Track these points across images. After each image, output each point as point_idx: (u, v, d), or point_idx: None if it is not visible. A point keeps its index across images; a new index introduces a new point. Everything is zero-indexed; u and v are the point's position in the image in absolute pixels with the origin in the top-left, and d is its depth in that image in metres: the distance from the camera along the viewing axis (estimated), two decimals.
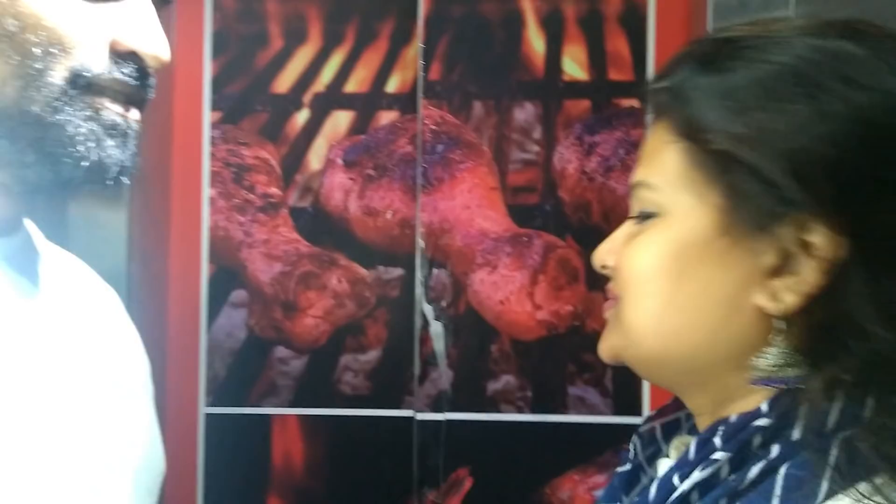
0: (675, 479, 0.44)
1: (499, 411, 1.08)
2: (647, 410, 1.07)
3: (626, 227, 0.51)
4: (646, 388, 1.07)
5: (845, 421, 0.41)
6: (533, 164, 1.10)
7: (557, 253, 1.08)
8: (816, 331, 0.43)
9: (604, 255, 0.52)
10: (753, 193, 0.43)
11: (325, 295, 1.10)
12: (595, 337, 1.14)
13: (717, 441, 0.43)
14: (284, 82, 1.12)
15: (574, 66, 1.10)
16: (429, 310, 1.10)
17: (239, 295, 1.11)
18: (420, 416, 1.09)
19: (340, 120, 1.12)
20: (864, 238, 0.42)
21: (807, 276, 0.43)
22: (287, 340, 1.10)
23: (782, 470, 0.41)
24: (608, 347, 0.51)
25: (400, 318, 1.10)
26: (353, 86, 1.12)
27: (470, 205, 1.09)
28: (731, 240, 0.45)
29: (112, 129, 0.46)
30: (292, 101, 1.12)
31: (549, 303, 1.08)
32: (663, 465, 0.50)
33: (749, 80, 0.44)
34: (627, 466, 0.55)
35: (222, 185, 1.12)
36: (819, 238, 0.42)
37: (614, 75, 1.09)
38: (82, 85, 0.44)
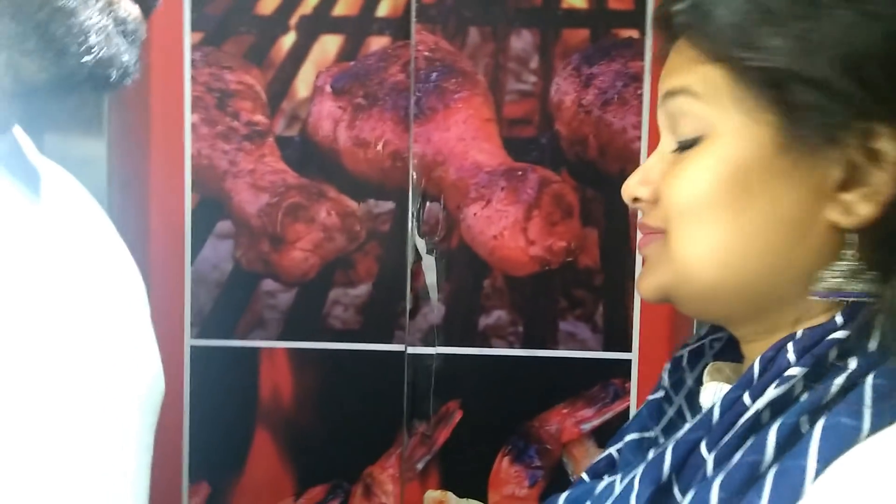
0: (746, 399, 0.42)
1: (490, 346, 1.08)
2: (636, 346, 1.07)
3: (659, 157, 0.49)
4: (636, 323, 1.07)
5: None
6: (529, 95, 1.06)
7: (552, 188, 1.06)
8: (888, 240, 0.42)
9: (635, 187, 0.49)
10: (812, 106, 0.42)
11: (313, 228, 1.08)
12: (587, 273, 1.13)
13: (791, 357, 0.42)
14: (269, 3, 1.07)
15: None
16: (421, 244, 1.08)
17: (224, 226, 1.09)
18: (411, 350, 1.08)
19: (329, 45, 1.07)
20: None
21: (879, 185, 0.42)
22: (275, 273, 1.08)
23: (868, 380, 0.40)
24: (655, 286, 0.48)
25: (391, 252, 1.08)
26: (341, 8, 1.06)
27: (465, 136, 1.06)
28: (793, 157, 0.43)
29: (123, 27, 0.43)
30: (278, 23, 1.07)
31: (542, 238, 1.06)
32: (708, 391, 0.49)
33: None
34: (660, 393, 0.55)
35: (205, 111, 1.07)
36: (887, 143, 0.41)
37: (614, 4, 1.05)
38: None
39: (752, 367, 0.44)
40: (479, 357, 1.08)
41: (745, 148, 0.44)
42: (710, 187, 0.44)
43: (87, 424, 0.44)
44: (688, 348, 0.57)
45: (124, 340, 0.50)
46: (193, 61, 1.07)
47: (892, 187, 0.42)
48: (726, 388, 0.47)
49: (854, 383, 0.40)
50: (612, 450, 0.56)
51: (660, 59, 0.50)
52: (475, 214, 1.07)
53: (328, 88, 1.07)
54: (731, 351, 0.54)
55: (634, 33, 1.05)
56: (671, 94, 0.47)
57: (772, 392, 0.41)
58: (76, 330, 0.45)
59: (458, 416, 1.09)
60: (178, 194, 1.08)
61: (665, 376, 0.56)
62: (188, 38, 1.07)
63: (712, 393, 0.49)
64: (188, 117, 1.07)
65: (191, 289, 1.08)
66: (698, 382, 0.54)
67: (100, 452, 0.45)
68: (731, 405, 0.43)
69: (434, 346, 1.09)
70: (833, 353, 0.41)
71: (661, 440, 0.53)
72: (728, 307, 0.47)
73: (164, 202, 1.08)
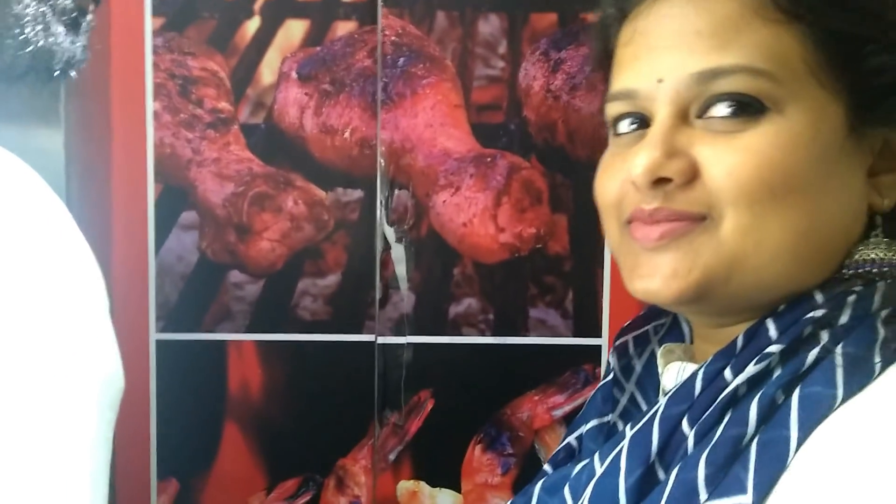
0: (727, 374, 0.42)
1: (461, 334, 1.07)
2: (606, 332, 1.07)
3: (676, 128, 0.41)
4: (605, 309, 1.07)
5: (886, 303, 0.41)
6: (498, 80, 1.05)
7: (521, 174, 1.06)
8: None
9: (660, 163, 0.41)
10: (889, 84, 0.39)
11: (281, 217, 1.06)
12: (557, 259, 1.12)
13: (773, 333, 0.42)
14: None
15: None
16: (390, 232, 1.07)
17: (189, 216, 1.06)
18: (381, 340, 1.07)
19: (294, 30, 1.05)
20: None
21: None
22: (241, 264, 1.06)
23: (838, 349, 0.40)
24: (695, 283, 0.42)
25: (360, 241, 1.07)
26: None
27: (433, 123, 1.05)
28: (857, 138, 0.40)
29: (63, 16, 0.41)
30: (242, 7, 1.04)
31: (512, 225, 1.06)
32: (670, 372, 0.49)
33: None
34: (610, 377, 0.55)
35: (167, 98, 1.05)
36: None
37: None
38: None
39: (735, 340, 0.44)
40: (450, 346, 1.07)
41: (821, 127, 0.39)
42: (783, 169, 0.39)
43: (38, 419, 0.43)
44: (631, 334, 0.57)
45: (77, 334, 0.49)
46: (155, 47, 1.04)
47: None
48: (691, 367, 0.47)
49: (825, 354, 0.41)
50: (571, 439, 0.55)
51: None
52: (444, 202, 1.06)
53: (294, 75, 1.05)
54: (673, 332, 0.55)
55: None
56: (716, 73, 0.39)
57: (752, 369, 0.41)
58: (26, 324, 0.44)
59: (429, 405, 1.08)
60: (140, 184, 1.05)
61: (613, 361, 0.56)
62: (149, 24, 1.04)
63: (675, 373, 0.48)
64: (150, 105, 1.05)
65: (155, 281, 1.06)
66: (647, 367, 0.55)
67: (53, 448, 0.44)
68: (713, 378, 0.43)
69: (405, 335, 1.08)
70: (808, 329, 0.42)
71: (620, 425, 0.53)
72: (765, 302, 0.44)
73: (126, 192, 1.05)
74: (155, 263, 1.06)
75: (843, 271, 0.44)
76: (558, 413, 1.08)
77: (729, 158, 0.40)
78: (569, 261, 1.06)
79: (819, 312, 0.42)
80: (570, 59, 1.05)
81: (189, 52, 1.05)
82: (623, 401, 0.54)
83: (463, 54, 1.05)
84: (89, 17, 0.44)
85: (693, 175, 0.41)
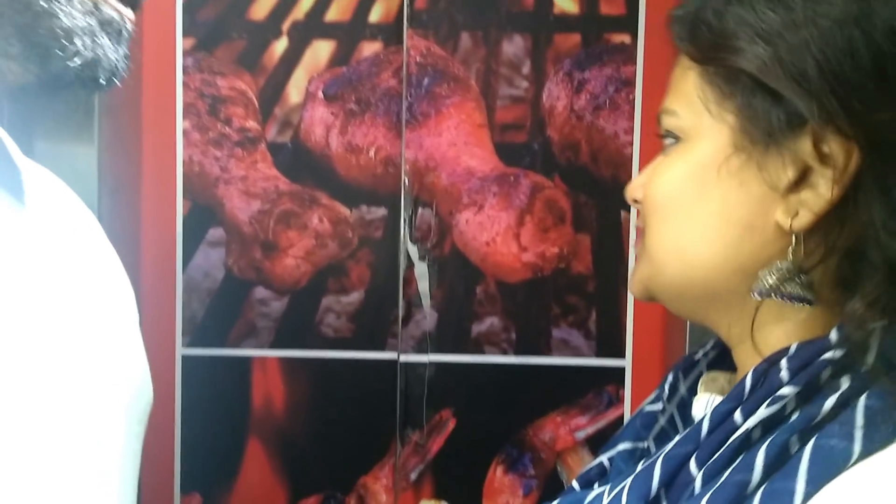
0: (738, 417, 0.42)
1: (483, 353, 1.07)
2: (629, 353, 1.06)
3: (656, 161, 0.50)
4: (629, 329, 1.07)
5: None
6: (521, 100, 1.06)
7: (545, 193, 1.06)
8: (836, 247, 0.43)
9: (634, 189, 0.51)
10: (763, 107, 0.43)
11: (306, 235, 1.07)
12: (580, 279, 1.13)
13: (784, 375, 0.42)
14: (262, 8, 1.06)
15: None
16: (413, 250, 1.07)
17: (216, 233, 1.08)
18: (404, 358, 1.08)
19: (321, 50, 1.07)
20: (877, 146, 0.41)
21: (823, 189, 0.42)
22: (267, 281, 1.08)
23: (861, 401, 0.39)
24: (637, 281, 0.50)
25: (384, 258, 1.08)
26: (334, 14, 1.06)
27: (456, 142, 1.05)
28: (746, 156, 0.44)
29: (108, 26, 0.42)
30: (270, 28, 1.07)
31: (534, 244, 1.06)
32: (700, 402, 0.49)
33: None
34: (658, 406, 0.54)
35: (197, 117, 1.07)
36: (832, 147, 0.42)
37: (606, 9, 1.05)
38: None
39: (743, 379, 0.43)
40: (472, 365, 1.07)
41: (707, 147, 0.45)
42: (673, 185, 0.47)
43: (70, 431, 0.44)
44: (680, 367, 0.56)
45: (109, 347, 0.49)
46: (185, 67, 1.06)
47: (835, 191, 0.42)
48: (718, 399, 0.47)
49: (846, 403, 0.40)
50: (604, 458, 0.55)
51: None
52: (467, 220, 1.06)
53: (320, 94, 1.07)
54: (723, 359, 0.54)
55: (626, 38, 1.05)
56: (660, 114, 0.49)
57: (763, 412, 0.41)
58: (60, 337, 0.45)
59: (451, 424, 1.08)
60: (169, 201, 1.07)
61: (665, 386, 0.56)
62: (180, 44, 1.06)
63: (704, 404, 0.48)
64: (180, 123, 1.07)
65: (182, 297, 1.08)
66: (691, 392, 0.54)
67: (83, 460, 0.44)
68: (722, 420, 0.42)
69: (427, 353, 1.08)
70: (826, 373, 0.41)
71: (653, 450, 0.52)
72: (698, 302, 0.48)
73: (155, 209, 1.07)
74: (182, 279, 1.07)
75: (751, 293, 0.45)
76: (581, 435, 1.07)
77: (648, 181, 0.49)
78: (592, 281, 1.06)
79: (836, 353, 0.41)
80: (593, 80, 1.05)
81: (218, 72, 1.07)
82: (662, 421, 0.54)
83: (487, 74, 1.06)
84: (130, 27, 0.45)
85: None
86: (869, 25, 0.41)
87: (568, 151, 1.06)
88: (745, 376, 0.43)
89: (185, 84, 1.06)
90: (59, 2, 0.40)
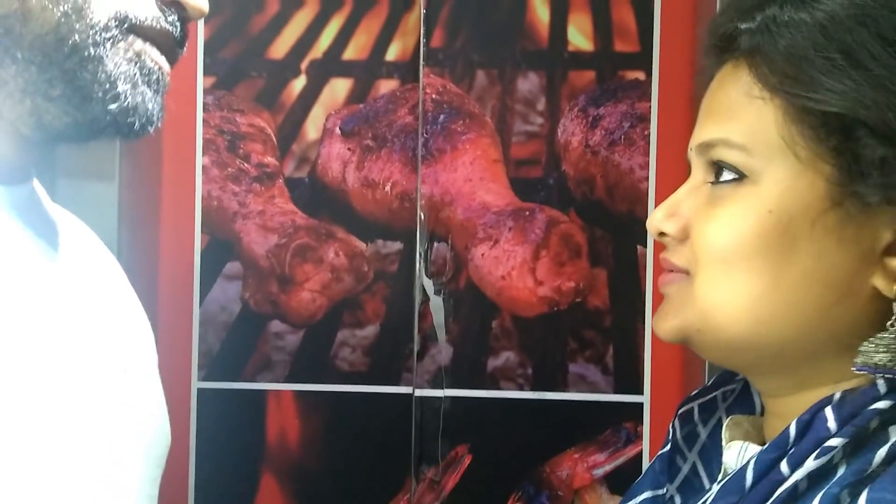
0: (784, 468, 0.40)
1: (499, 388, 1.06)
2: (648, 389, 1.05)
3: (690, 190, 0.45)
4: (647, 365, 1.06)
5: None
6: (536, 136, 1.07)
7: (560, 228, 1.06)
8: None
9: (661, 221, 0.46)
10: (876, 160, 0.38)
11: (321, 268, 1.08)
12: (596, 314, 1.12)
13: (832, 425, 0.40)
14: (281, 47, 1.08)
15: (579, 35, 1.06)
16: (429, 284, 1.07)
17: (233, 267, 1.09)
18: (419, 393, 1.07)
19: (339, 88, 1.09)
20: None
21: None
22: (282, 314, 1.08)
23: None
24: (675, 328, 0.45)
25: (399, 292, 1.08)
26: (351, 53, 1.08)
27: (472, 177, 1.06)
28: (845, 213, 0.40)
29: (148, 76, 0.44)
30: (289, 67, 1.08)
31: (550, 279, 1.06)
32: (731, 450, 0.46)
33: (856, 21, 0.38)
34: (667, 448, 0.52)
35: (216, 153, 1.08)
36: None
37: (620, 46, 1.06)
38: (127, 27, 0.43)
39: (787, 429, 0.41)
40: (488, 400, 1.06)
41: (793, 198, 0.40)
42: (749, 235, 0.41)
43: (90, 476, 0.44)
44: (697, 401, 0.54)
45: (133, 395, 0.50)
46: (206, 104, 1.08)
47: None
48: (753, 448, 0.45)
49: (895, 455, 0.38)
50: None
51: (701, 81, 0.47)
52: (483, 255, 1.07)
53: (337, 130, 1.08)
54: (743, 401, 0.52)
55: (641, 75, 1.05)
56: (709, 145, 0.44)
57: (811, 463, 0.39)
58: (87, 385, 0.45)
59: (466, 460, 1.07)
60: (188, 235, 1.08)
61: (675, 430, 0.54)
62: (201, 82, 1.08)
63: (737, 452, 0.46)
64: (199, 159, 1.08)
65: (199, 330, 1.08)
66: (712, 437, 0.52)
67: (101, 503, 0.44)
68: (767, 471, 0.41)
69: (442, 388, 1.07)
70: (874, 423, 0.39)
71: (678, 499, 0.50)
72: (755, 361, 0.44)
73: (173, 243, 1.08)
74: (199, 313, 1.08)
75: (853, 369, 0.42)
76: (599, 472, 1.06)
77: (704, 222, 0.44)
78: (609, 315, 1.06)
79: (884, 404, 0.39)
80: (608, 116, 1.06)
81: (238, 109, 1.09)
82: (685, 470, 0.52)
83: (502, 111, 1.07)
84: (167, 79, 0.46)
85: (686, 235, 0.45)
86: None
87: (583, 186, 1.06)
88: (789, 426, 0.41)
89: (205, 121, 1.08)
90: (104, 48, 0.42)
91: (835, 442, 0.39)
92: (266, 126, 1.09)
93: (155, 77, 0.45)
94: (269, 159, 1.09)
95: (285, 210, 1.09)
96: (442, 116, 1.06)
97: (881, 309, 0.41)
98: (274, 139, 1.09)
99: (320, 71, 1.08)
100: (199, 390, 1.08)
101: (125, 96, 0.43)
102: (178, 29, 0.46)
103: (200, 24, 1.07)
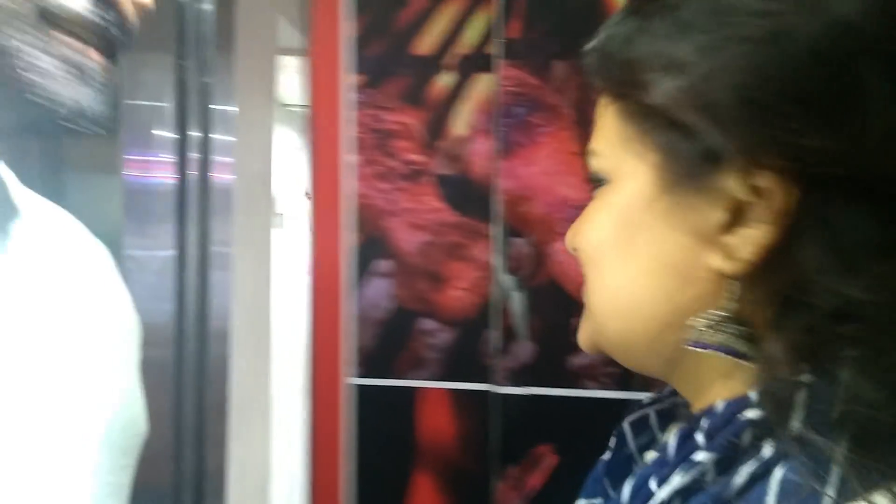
0: (652, 484, 0.39)
1: (583, 387, 1.01)
2: None
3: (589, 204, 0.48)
4: None
5: (850, 411, 0.34)
6: None
7: None
8: (775, 293, 0.38)
9: (571, 237, 0.48)
10: (680, 143, 0.40)
11: (471, 266, 1.09)
12: None
13: (700, 438, 0.38)
14: (426, 44, 1.09)
15: None
16: (509, 280, 1.05)
17: (384, 265, 1.12)
18: (498, 390, 1.06)
19: (484, 83, 1.08)
20: (817, 180, 0.36)
21: (758, 227, 0.38)
22: (432, 312, 1.10)
23: (776, 474, 0.35)
24: (584, 338, 0.47)
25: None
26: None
27: (550, 171, 1.01)
28: (673, 198, 0.41)
29: (78, 71, 0.42)
30: (435, 63, 1.09)
31: None
32: (649, 459, 0.46)
33: (665, 20, 0.40)
34: (607, 456, 0.52)
35: (365, 151, 1.12)
36: (765, 181, 0.37)
37: None
38: (52, 19, 0.40)
39: (666, 443, 0.40)
40: (571, 399, 1.02)
41: (631, 191, 0.42)
42: (603, 233, 0.43)
43: (38, 461, 0.43)
44: (652, 408, 0.51)
45: (91, 384, 0.48)
46: (354, 102, 1.11)
47: (771, 230, 0.37)
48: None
49: (764, 473, 0.35)
50: None
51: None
52: (563, 250, 1.01)
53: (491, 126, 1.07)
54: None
55: None
56: (589, 152, 0.46)
57: (677, 480, 0.37)
58: (28, 374, 0.44)
59: (552, 460, 1.03)
60: (338, 233, 1.13)
61: (618, 439, 0.51)
62: (347, 80, 1.11)
63: (649, 462, 0.45)
64: (347, 157, 1.12)
65: (350, 328, 1.11)
66: (642, 452, 0.50)
67: (48, 490, 0.44)
68: (639, 489, 0.40)
69: (523, 385, 1.05)
70: (747, 436, 0.36)
71: None
72: (644, 357, 0.43)
73: (325, 241, 1.14)
74: (350, 311, 1.12)
75: (687, 346, 0.39)
76: None
77: (578, 229, 0.46)
78: None
79: (754, 413, 0.36)
80: None
81: (385, 107, 1.11)
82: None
83: (581, 101, 1.00)
84: (109, 75, 0.43)
85: None
86: (788, 43, 0.36)
87: None
88: (668, 439, 0.39)
89: (353, 119, 1.11)
90: (24, 41, 0.39)
91: (700, 456, 0.37)
92: (413, 123, 1.10)
93: (89, 73, 0.42)
94: (418, 157, 1.11)
95: (434, 207, 1.10)
96: (520, 109, 1.03)
97: (721, 293, 0.40)
98: (422, 136, 1.10)
99: (466, 66, 1.07)
100: (352, 386, 1.11)
101: (57, 95, 0.40)
102: (114, 23, 0.43)
103: (347, 22, 1.10)
